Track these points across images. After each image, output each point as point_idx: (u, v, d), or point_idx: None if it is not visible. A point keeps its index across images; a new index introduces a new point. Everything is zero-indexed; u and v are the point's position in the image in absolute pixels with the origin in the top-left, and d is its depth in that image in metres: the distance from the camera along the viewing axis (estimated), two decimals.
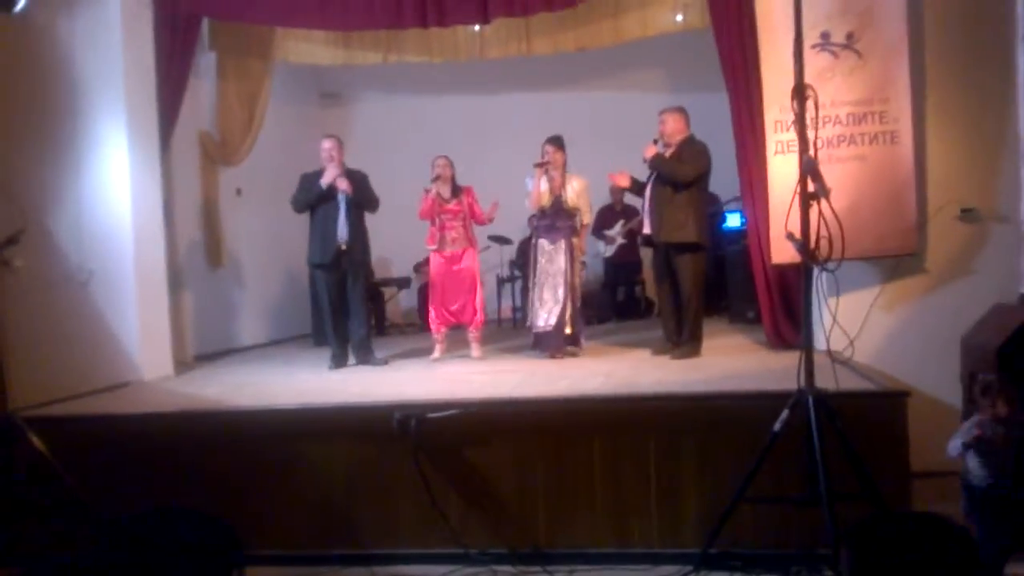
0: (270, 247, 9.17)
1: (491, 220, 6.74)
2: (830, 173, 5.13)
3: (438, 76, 9.89)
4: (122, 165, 6.25)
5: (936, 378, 4.94)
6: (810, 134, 4.72)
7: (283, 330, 9.26)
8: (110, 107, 6.21)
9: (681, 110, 6.12)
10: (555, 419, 4.36)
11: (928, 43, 5.24)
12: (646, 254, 9.88)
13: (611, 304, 9.49)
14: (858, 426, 3.90)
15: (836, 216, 3.75)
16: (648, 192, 6.01)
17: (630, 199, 8.52)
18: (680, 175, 5.79)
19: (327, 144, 6.38)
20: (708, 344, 6.08)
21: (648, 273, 9.89)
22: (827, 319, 5.56)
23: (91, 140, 6.21)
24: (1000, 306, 4.66)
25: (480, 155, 8.84)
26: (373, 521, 4.43)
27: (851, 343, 4.71)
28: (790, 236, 3.81)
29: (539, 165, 6.31)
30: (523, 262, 9.60)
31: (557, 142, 6.42)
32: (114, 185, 6.24)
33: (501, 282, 9.56)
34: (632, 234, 9.41)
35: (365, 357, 6.48)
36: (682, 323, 5.98)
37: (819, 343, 5.61)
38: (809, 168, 3.76)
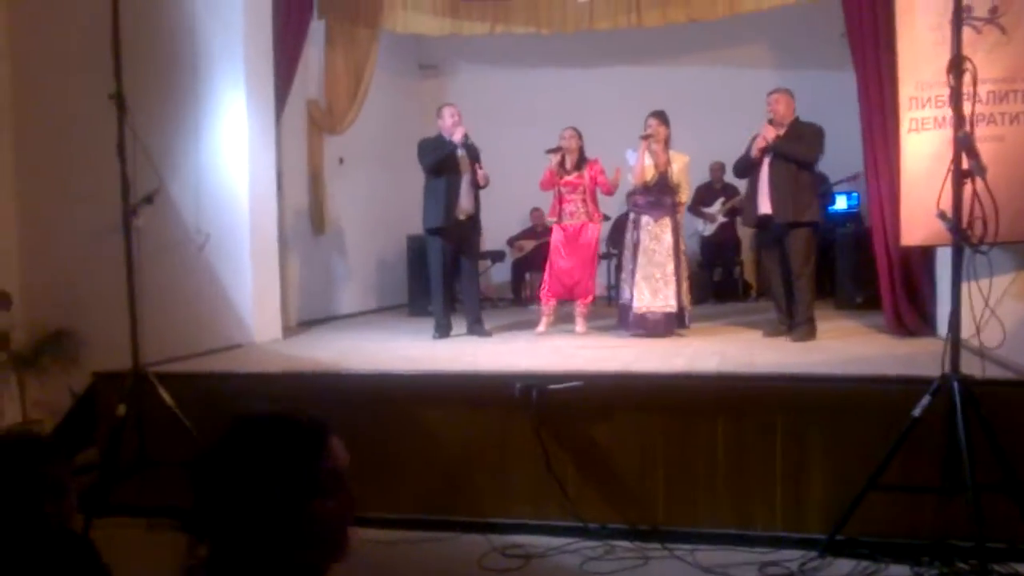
0: (368, 217, 9.28)
1: (615, 188, 6.65)
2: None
3: (535, 48, 9.83)
4: (240, 131, 6.37)
5: None
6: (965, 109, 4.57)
7: (379, 299, 9.38)
8: (230, 73, 6.32)
9: (789, 91, 5.97)
10: (678, 396, 4.30)
11: None
12: (744, 234, 9.75)
13: (709, 284, 9.33)
14: (1000, 415, 3.75)
15: (992, 196, 3.58)
16: (766, 173, 5.83)
17: (730, 177, 8.36)
18: (808, 156, 5.69)
19: (450, 110, 6.39)
20: (821, 328, 5.93)
21: (747, 254, 9.77)
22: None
23: (211, 106, 6.34)
24: None
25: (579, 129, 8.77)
26: (490, 489, 4.45)
27: (978, 330, 4.52)
28: (942, 215, 3.66)
29: (644, 137, 6.20)
30: (617, 239, 9.53)
31: (661, 116, 6.31)
32: (232, 151, 6.36)
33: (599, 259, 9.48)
34: (733, 212, 9.22)
35: (473, 327, 6.51)
36: (794, 305, 5.85)
37: (942, 331, 5.47)
38: (965, 144, 3.60)
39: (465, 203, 6.37)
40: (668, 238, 6.13)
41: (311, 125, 8.10)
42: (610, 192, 6.72)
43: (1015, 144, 4.94)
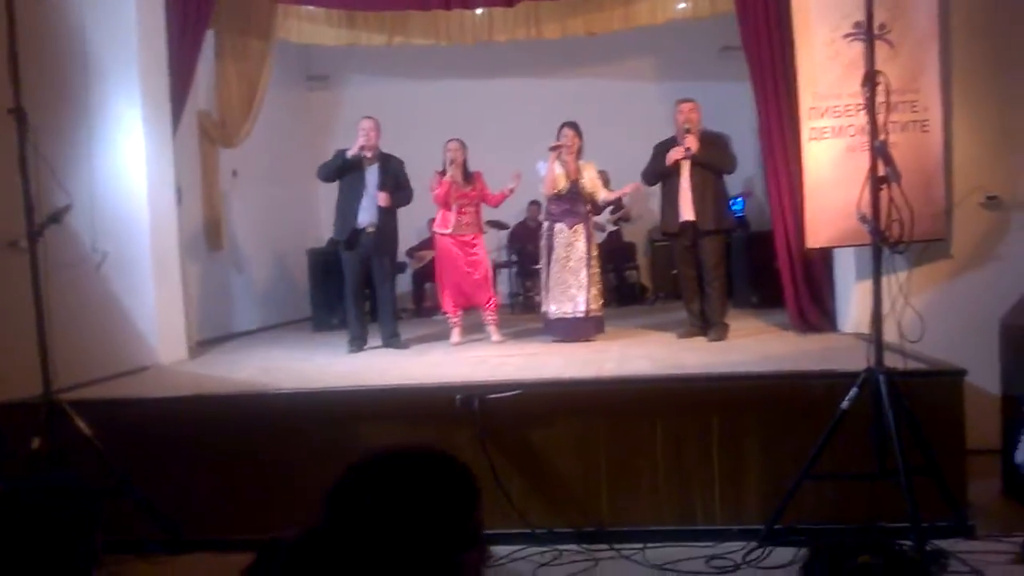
0: (264, 230, 9.06)
1: (501, 202, 6.74)
2: (863, 161, 5.29)
3: (426, 60, 9.83)
4: (137, 145, 6.10)
5: (966, 360, 5.11)
6: (858, 120, 4.89)
7: (280, 315, 9.14)
8: (124, 85, 6.05)
9: (694, 101, 6.18)
10: (616, 399, 4.40)
11: (955, 35, 5.40)
12: (638, 239, 10.07)
13: (607, 289, 9.55)
14: (918, 404, 4.03)
15: (907, 200, 3.85)
16: (686, 181, 5.99)
17: (616, 186, 8.60)
18: (728, 165, 5.96)
19: (366, 123, 6.34)
20: (736, 327, 6.21)
21: (641, 258, 10.09)
22: (853, 302, 5.78)
23: (105, 119, 6.04)
24: None
25: (469, 141, 8.82)
26: None
27: (899, 325, 4.84)
28: (863, 218, 3.90)
29: (553, 148, 6.31)
30: (519, 248, 9.64)
31: (575, 127, 6.42)
32: (129, 165, 6.08)
33: (496, 267, 9.56)
34: (619, 221, 9.54)
35: (389, 340, 6.44)
36: (707, 306, 6.08)
37: (847, 326, 5.83)
38: (881, 152, 3.85)
39: (366, 215, 6.30)
40: (581, 245, 6.26)
41: (203, 138, 7.82)
42: (496, 204, 6.81)
43: (907, 150, 5.30)
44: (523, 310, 9.22)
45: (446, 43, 8.10)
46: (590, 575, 4.03)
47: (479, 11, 7.72)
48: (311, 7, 7.55)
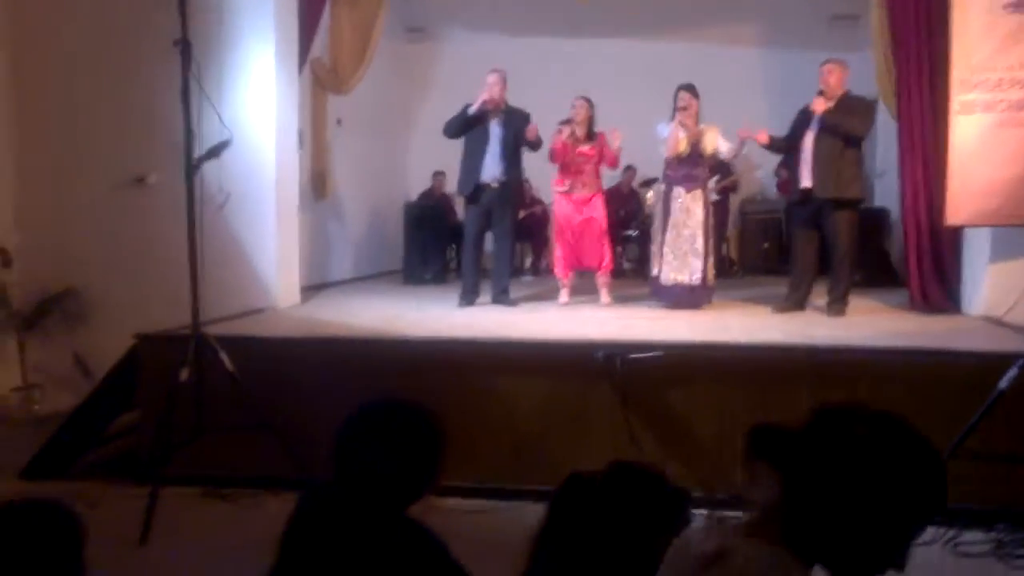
0: (362, 182, 9.10)
1: (618, 157, 6.68)
2: (1014, 138, 5.16)
3: (527, 16, 9.74)
4: (268, 85, 6.15)
5: None
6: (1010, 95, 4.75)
7: (371, 266, 9.22)
8: (258, 23, 6.11)
9: (843, 62, 5.93)
10: (758, 367, 4.37)
11: None
12: (732, 211, 9.95)
13: None
14: None
15: None
16: (810, 147, 5.83)
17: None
18: (858, 130, 5.69)
19: (491, 77, 6.29)
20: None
21: (732, 231, 9.97)
22: (985, 283, 5.65)
23: (236, 56, 6.09)
24: None
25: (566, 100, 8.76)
26: (567, 457, 4.42)
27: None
28: None
29: (681, 110, 6.20)
30: (610, 213, 9.55)
31: (692, 89, 6.27)
32: (258, 105, 6.13)
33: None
34: (725, 191, 9.38)
35: (499, 297, 6.45)
36: (832, 284, 5.95)
37: (973, 308, 5.71)
38: None
39: (492, 170, 6.28)
40: (699, 211, 6.18)
41: (315, 84, 7.85)
42: (615, 165, 6.77)
43: None
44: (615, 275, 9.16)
45: None
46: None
47: None
48: None
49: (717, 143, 6.24)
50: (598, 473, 1.71)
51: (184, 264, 5.66)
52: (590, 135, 6.52)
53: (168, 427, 4.37)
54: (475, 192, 6.29)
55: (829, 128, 5.71)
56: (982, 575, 3.66)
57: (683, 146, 6.18)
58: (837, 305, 5.84)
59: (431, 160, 9.36)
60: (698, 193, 6.22)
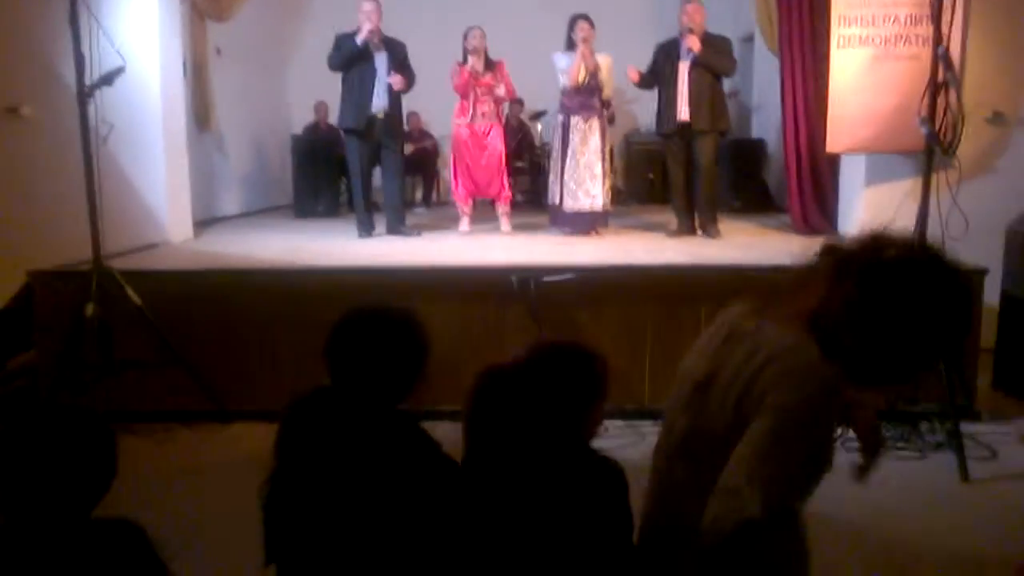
0: (247, 113, 8.81)
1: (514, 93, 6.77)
2: (888, 71, 5.52)
3: None
4: (150, 13, 5.85)
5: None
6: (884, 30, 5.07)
7: (259, 200, 8.99)
8: None
9: (701, 2, 6.21)
10: (664, 287, 4.60)
11: None
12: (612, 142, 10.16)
13: None
14: None
15: (961, 105, 4.07)
16: (684, 82, 6.10)
17: None
18: (730, 67, 6.05)
19: (367, 6, 6.14)
20: (732, 229, 6.46)
21: (618, 161, 10.23)
22: (856, 204, 6.08)
23: None
24: None
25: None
26: None
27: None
28: (923, 121, 4.11)
29: (583, 41, 6.30)
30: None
31: (589, 19, 6.34)
32: (141, 34, 5.83)
33: None
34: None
35: (395, 227, 6.46)
36: (699, 206, 6.29)
37: (849, 229, 6.14)
38: (944, 59, 4.04)
39: (379, 101, 6.22)
40: (596, 139, 6.34)
41: (193, 11, 7.50)
42: (513, 96, 6.85)
43: (927, 63, 5.53)
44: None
45: None
46: (640, 447, 4.30)
47: None
48: None
49: (610, 73, 6.40)
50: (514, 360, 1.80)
51: (66, 199, 5.48)
52: (487, 65, 6.54)
53: (73, 364, 4.25)
54: (358, 125, 6.20)
55: (703, 64, 5.98)
56: None
57: (582, 76, 6.30)
58: (713, 226, 6.18)
59: (312, 91, 9.15)
60: (594, 121, 6.36)
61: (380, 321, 1.85)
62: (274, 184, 9.11)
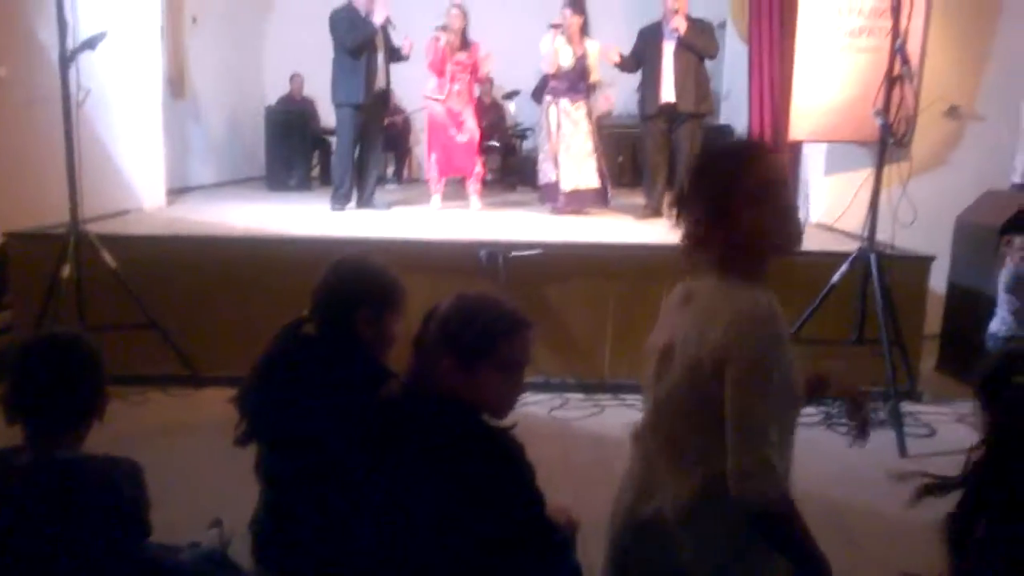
0: (221, 82, 8.82)
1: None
2: (851, 61, 5.72)
3: None
4: None
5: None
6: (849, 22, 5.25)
7: (232, 171, 9.02)
8: None
9: None
10: (631, 264, 4.77)
11: None
12: None
13: None
14: (891, 285, 4.56)
15: (916, 98, 4.27)
16: (669, 63, 6.22)
17: None
18: (712, 49, 6.19)
19: None
20: None
21: None
22: (816, 192, 6.28)
23: None
24: (992, 193, 5.43)
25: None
26: None
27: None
28: (878, 113, 4.30)
29: (554, 27, 6.44)
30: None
31: (574, 5, 6.47)
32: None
33: None
34: None
35: (369, 200, 6.56)
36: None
37: (810, 216, 6.34)
38: (901, 51, 4.22)
39: (381, 79, 6.39)
40: (584, 121, 6.51)
41: None
42: (479, 77, 6.95)
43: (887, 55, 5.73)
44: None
45: None
46: (597, 420, 4.48)
47: None
48: None
49: (597, 58, 6.51)
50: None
51: (40, 162, 5.51)
52: (464, 44, 6.63)
53: (49, 324, 4.32)
54: (365, 101, 6.31)
55: (688, 46, 6.12)
56: (811, 440, 4.24)
57: (566, 60, 6.42)
58: None
59: (287, 62, 9.19)
60: (582, 103, 6.52)
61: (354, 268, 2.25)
62: (247, 155, 9.14)
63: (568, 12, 6.40)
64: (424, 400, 1.72)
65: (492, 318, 1.74)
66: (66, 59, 4.25)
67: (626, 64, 6.53)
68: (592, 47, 6.46)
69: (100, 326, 4.43)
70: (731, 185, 1.60)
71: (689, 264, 1.70)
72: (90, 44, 4.29)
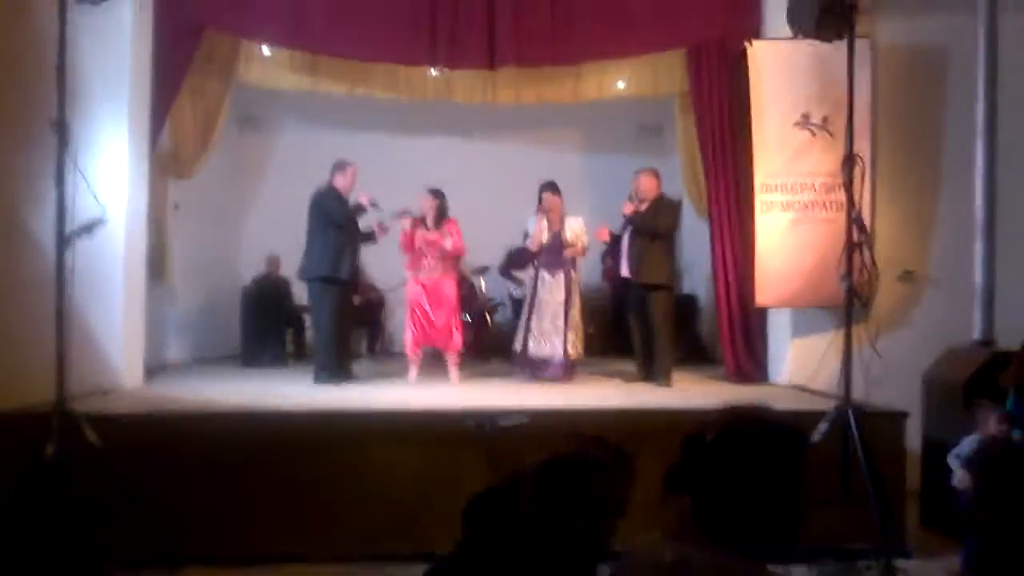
0: (199, 265, 9.02)
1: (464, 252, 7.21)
2: (807, 233, 6.08)
3: (359, 112, 10.01)
4: (120, 167, 6.13)
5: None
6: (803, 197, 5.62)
7: (207, 349, 9.06)
8: (112, 109, 6.11)
9: (654, 171, 6.87)
10: (616, 427, 4.82)
11: (882, 131, 6.31)
12: None
13: None
14: (869, 441, 4.68)
15: (875, 263, 4.55)
16: (626, 241, 6.73)
17: None
18: (660, 228, 6.62)
19: (353, 169, 6.80)
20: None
21: None
22: (789, 355, 6.48)
23: (87, 139, 6.04)
24: (954, 349, 5.66)
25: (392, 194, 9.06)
26: (440, 521, 4.66)
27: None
28: (843, 277, 4.56)
29: (542, 212, 6.93)
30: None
31: (553, 187, 7.02)
32: (110, 187, 6.07)
33: None
34: None
35: (349, 374, 6.68)
36: (652, 358, 6.66)
37: (780, 378, 6.53)
38: (857, 222, 4.54)
39: (359, 256, 6.94)
40: (560, 292, 6.84)
41: (156, 167, 7.81)
42: (461, 253, 7.25)
43: (841, 226, 6.10)
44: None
45: (407, 96, 8.43)
46: None
47: (435, 72, 8.06)
48: (278, 49, 7.71)
49: (580, 235, 6.92)
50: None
51: (26, 342, 5.55)
52: (437, 223, 6.95)
53: (29, 503, 4.23)
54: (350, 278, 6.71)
55: (636, 227, 6.59)
56: None
57: (545, 236, 6.87)
58: (662, 379, 6.53)
59: (263, 246, 9.44)
60: (560, 276, 6.87)
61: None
62: (220, 334, 9.22)
63: (548, 195, 6.89)
64: None
65: None
66: (63, 243, 4.37)
67: (614, 241, 7.05)
68: (575, 223, 6.88)
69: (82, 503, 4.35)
70: None
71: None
72: (87, 229, 4.44)
